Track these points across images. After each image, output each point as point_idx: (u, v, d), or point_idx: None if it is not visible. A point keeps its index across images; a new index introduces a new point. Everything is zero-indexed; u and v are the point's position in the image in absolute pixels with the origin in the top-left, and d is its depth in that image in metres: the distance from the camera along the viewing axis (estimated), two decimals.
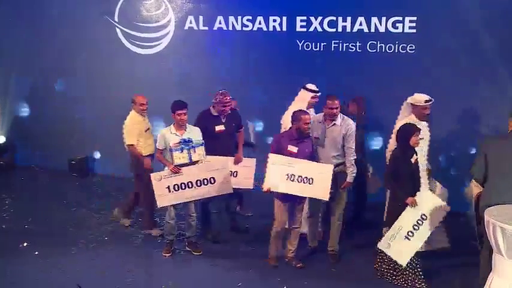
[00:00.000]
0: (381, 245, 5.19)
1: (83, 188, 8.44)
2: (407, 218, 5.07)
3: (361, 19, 7.28)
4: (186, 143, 5.78)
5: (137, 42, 8.47)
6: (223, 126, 6.09)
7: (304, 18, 7.54)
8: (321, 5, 7.47)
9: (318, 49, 7.53)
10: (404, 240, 5.07)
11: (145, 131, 6.44)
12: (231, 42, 7.95)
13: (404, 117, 5.58)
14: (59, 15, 8.74)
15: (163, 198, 5.85)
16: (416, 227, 5.06)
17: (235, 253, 6.07)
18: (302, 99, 6.01)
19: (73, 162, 8.96)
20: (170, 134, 5.78)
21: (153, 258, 5.96)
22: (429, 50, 7.02)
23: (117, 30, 8.53)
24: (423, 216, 5.07)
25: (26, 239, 6.23)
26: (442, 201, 5.17)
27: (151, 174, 5.88)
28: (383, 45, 7.22)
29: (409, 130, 5.05)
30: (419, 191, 5.12)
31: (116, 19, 8.50)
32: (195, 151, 5.80)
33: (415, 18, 7.04)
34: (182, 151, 5.76)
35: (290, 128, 5.51)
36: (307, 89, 6.04)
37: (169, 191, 5.82)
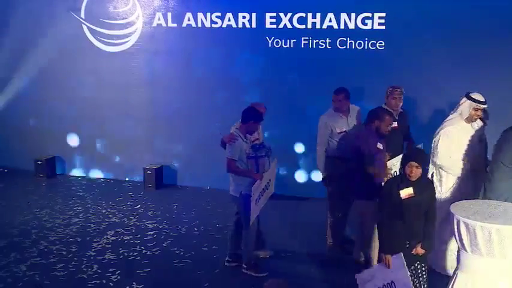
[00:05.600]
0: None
1: (49, 189, 8.22)
2: (380, 271, 4.42)
3: (330, 15, 7.23)
4: (264, 148, 5.38)
5: (104, 40, 8.26)
6: (396, 123, 5.55)
7: (274, 14, 7.46)
8: (291, 1, 7.37)
9: (287, 46, 7.46)
10: None
11: None
12: (200, 39, 7.80)
13: None
14: (23, 11, 8.48)
15: (254, 212, 5.20)
16: None
17: None
18: (462, 109, 5.19)
19: (40, 162, 8.73)
20: (242, 141, 5.23)
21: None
22: (398, 46, 6.98)
23: (84, 27, 8.31)
24: (392, 285, 4.34)
25: None
26: None
27: (254, 186, 5.13)
28: (353, 41, 7.19)
29: (406, 155, 4.35)
30: (427, 241, 4.31)
31: (82, 16, 8.29)
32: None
33: (384, 14, 7.01)
34: (267, 157, 5.36)
35: (372, 125, 5.13)
36: (469, 98, 5.15)
37: (255, 203, 5.18)
